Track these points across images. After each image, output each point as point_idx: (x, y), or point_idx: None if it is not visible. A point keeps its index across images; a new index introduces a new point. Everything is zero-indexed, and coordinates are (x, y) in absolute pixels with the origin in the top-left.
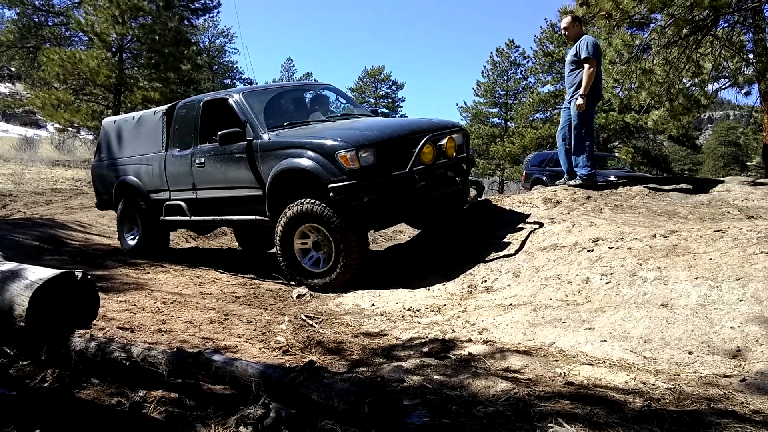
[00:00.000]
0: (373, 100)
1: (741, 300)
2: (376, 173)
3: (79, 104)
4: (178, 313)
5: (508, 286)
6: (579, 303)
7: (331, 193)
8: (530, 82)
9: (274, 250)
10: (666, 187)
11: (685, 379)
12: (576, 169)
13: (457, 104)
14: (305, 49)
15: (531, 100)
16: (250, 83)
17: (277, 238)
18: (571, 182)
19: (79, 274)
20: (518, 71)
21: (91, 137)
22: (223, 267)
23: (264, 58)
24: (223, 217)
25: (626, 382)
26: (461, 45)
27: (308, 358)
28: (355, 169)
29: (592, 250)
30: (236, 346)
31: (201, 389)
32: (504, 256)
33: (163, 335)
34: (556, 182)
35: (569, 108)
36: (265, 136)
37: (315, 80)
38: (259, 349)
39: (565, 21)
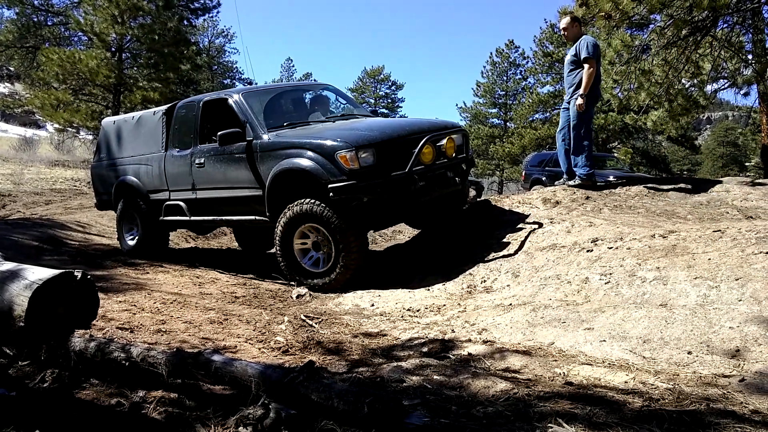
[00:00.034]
0: (372, 101)
1: (740, 300)
2: (375, 173)
3: (79, 104)
4: (177, 314)
5: (508, 286)
6: (578, 303)
7: (331, 194)
8: (530, 82)
9: (273, 250)
10: (665, 188)
11: (684, 379)
12: (575, 169)
13: (457, 105)
14: (305, 49)
15: (530, 101)
16: (250, 83)
17: (277, 238)
18: (571, 182)
19: (78, 274)
20: (518, 72)
21: (90, 137)
22: (223, 267)
23: (263, 59)
24: (223, 218)
25: (625, 382)
26: (461, 45)
27: (308, 359)
28: (355, 170)
29: (592, 251)
30: (236, 347)
31: (201, 389)
32: (503, 257)
33: (162, 335)
34: (556, 183)
35: (569, 108)
36: (265, 137)
37: (315, 80)
38: (259, 349)
39: (564, 21)
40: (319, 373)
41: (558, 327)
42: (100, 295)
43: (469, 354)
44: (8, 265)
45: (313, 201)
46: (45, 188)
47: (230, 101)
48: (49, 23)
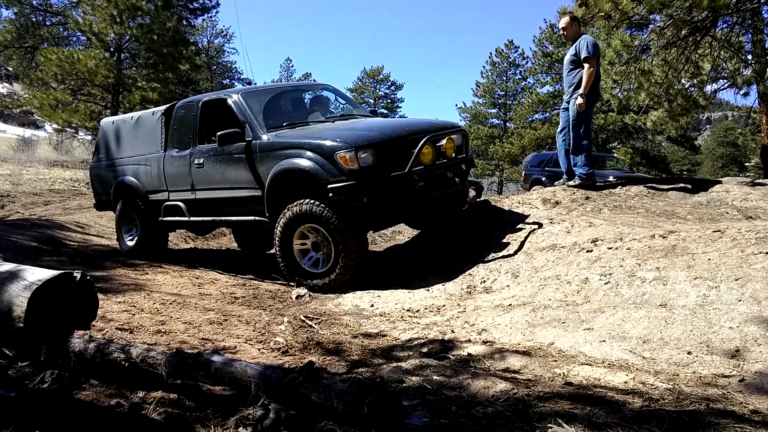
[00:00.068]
0: (372, 101)
1: (740, 300)
2: (375, 174)
3: (77, 104)
4: (177, 314)
5: (508, 286)
6: (578, 303)
7: (331, 194)
8: (529, 82)
9: (273, 251)
10: (665, 188)
11: (684, 379)
12: (574, 169)
13: (456, 105)
14: (304, 49)
15: (530, 101)
16: (249, 83)
17: (276, 238)
18: (570, 182)
19: (77, 275)
20: (517, 72)
21: (89, 137)
22: (222, 268)
23: (263, 59)
24: (222, 218)
25: (625, 383)
26: (460, 45)
27: (307, 359)
28: (354, 170)
29: (591, 251)
30: (235, 347)
31: (200, 390)
32: (503, 257)
33: (162, 336)
34: (555, 183)
35: (568, 108)
36: (264, 137)
37: (314, 80)
38: (259, 349)
39: (564, 21)
40: (319, 374)
41: (558, 327)
42: (100, 295)
43: (469, 354)
44: (7, 266)
45: (312, 201)
46: (44, 189)
47: (229, 101)
48: (47, 23)
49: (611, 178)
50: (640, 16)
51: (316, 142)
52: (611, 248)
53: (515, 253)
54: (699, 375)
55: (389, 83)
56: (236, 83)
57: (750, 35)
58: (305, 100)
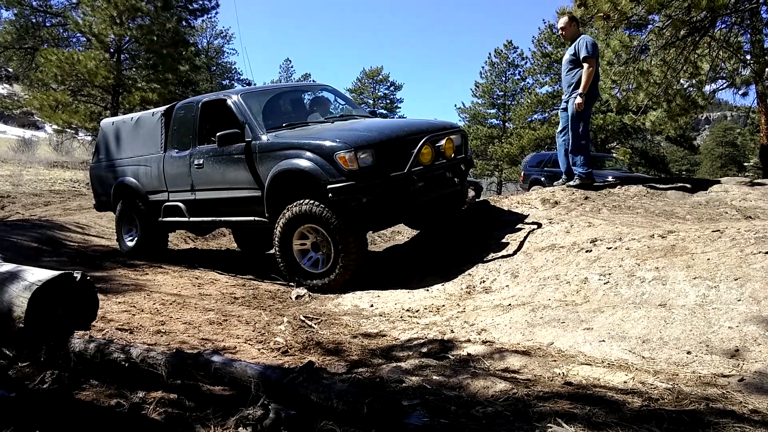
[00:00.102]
0: (371, 101)
1: (739, 300)
2: (374, 174)
3: (77, 105)
4: (177, 314)
5: (507, 286)
6: (577, 303)
7: (330, 194)
8: (528, 83)
9: (272, 251)
10: (664, 188)
11: (683, 378)
12: (574, 168)
13: (456, 105)
14: (304, 50)
15: (529, 101)
16: (249, 84)
17: (276, 239)
18: (570, 183)
19: (77, 275)
20: (516, 72)
21: (89, 138)
22: (222, 268)
23: (262, 59)
24: (222, 218)
25: (625, 382)
26: (459, 46)
27: (307, 359)
28: (354, 170)
29: (591, 251)
30: (235, 347)
31: (200, 390)
32: (502, 257)
33: (162, 336)
34: (554, 183)
35: (567, 108)
36: (264, 137)
37: (313, 81)
38: (258, 350)
39: (562, 21)
40: (319, 374)
41: (557, 327)
42: (100, 296)
43: (469, 354)
44: (7, 267)
45: (312, 202)
46: (44, 189)
47: (229, 102)
48: (47, 24)
49: (610, 178)
50: (638, 16)
51: (316, 143)
52: (610, 248)
53: (514, 253)
54: (698, 375)
55: (388, 84)
56: (236, 84)
57: (749, 35)
58: (305, 101)
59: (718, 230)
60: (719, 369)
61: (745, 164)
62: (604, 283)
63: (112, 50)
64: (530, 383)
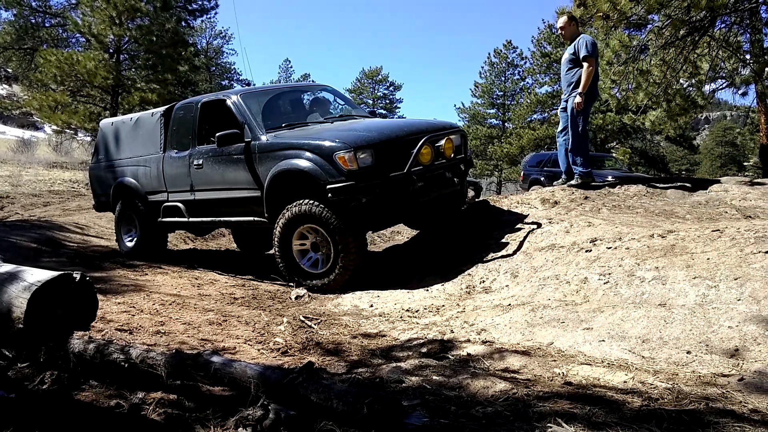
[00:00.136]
0: (370, 101)
1: (739, 299)
2: (374, 174)
3: (77, 106)
4: (176, 315)
5: (507, 286)
6: (577, 303)
7: (330, 194)
8: (528, 83)
9: (272, 252)
10: (663, 187)
11: (683, 378)
12: (573, 167)
13: (455, 105)
14: (303, 50)
15: (528, 101)
16: (248, 84)
17: (276, 239)
18: (569, 182)
19: (77, 275)
20: (516, 72)
21: (88, 139)
22: (222, 268)
23: (262, 60)
24: (221, 219)
25: (625, 382)
26: (459, 46)
27: (307, 359)
28: (354, 170)
29: (590, 251)
30: (235, 348)
31: (200, 391)
32: (502, 257)
33: (161, 337)
34: (554, 183)
35: (566, 107)
36: (263, 138)
37: (313, 81)
38: (258, 350)
39: (562, 20)
40: (319, 374)
41: (557, 327)
42: (99, 296)
43: (468, 354)
44: (7, 267)
45: (311, 202)
46: (43, 190)
47: (228, 102)
48: (46, 25)
49: (610, 178)
50: (638, 16)
51: (315, 143)
52: (610, 248)
53: (514, 253)
54: (698, 374)
55: (388, 84)
56: (235, 84)
57: (748, 35)
58: (304, 101)
59: (718, 230)
60: (719, 368)
61: (745, 164)
62: (604, 283)
63: (111, 51)
64: (530, 383)
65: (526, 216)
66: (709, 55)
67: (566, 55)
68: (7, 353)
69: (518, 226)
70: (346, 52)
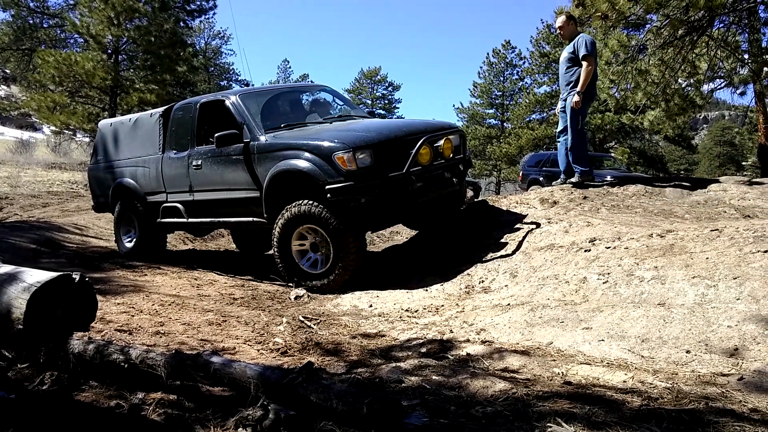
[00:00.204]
0: (369, 102)
1: (738, 299)
2: (373, 174)
3: (75, 106)
4: (176, 315)
5: (506, 286)
6: (576, 303)
7: (329, 195)
8: (526, 83)
9: (271, 252)
10: (662, 187)
11: (683, 377)
12: (574, 166)
13: (454, 105)
14: (302, 50)
15: (527, 101)
16: (247, 85)
17: (275, 239)
18: (569, 182)
19: (76, 276)
20: (514, 72)
21: (87, 140)
22: (221, 269)
23: (260, 60)
24: (220, 219)
25: (624, 382)
26: (458, 46)
27: (306, 360)
28: (353, 171)
29: (589, 250)
30: (234, 348)
31: (200, 391)
32: (501, 257)
33: (161, 337)
34: (553, 182)
35: (565, 107)
36: (262, 138)
37: (311, 82)
38: (258, 350)
39: (560, 20)
40: (318, 374)
41: (556, 327)
42: (99, 297)
43: (468, 354)
44: (6, 268)
45: (310, 202)
46: (42, 191)
47: (227, 103)
48: (45, 25)
49: (609, 178)
50: (636, 15)
51: (314, 143)
52: (609, 248)
53: (513, 252)
54: (698, 374)
55: (386, 84)
56: (234, 85)
57: (746, 34)
58: (303, 102)
59: (717, 229)
60: (718, 368)
61: (744, 163)
62: (603, 283)
63: (109, 51)
64: (529, 383)
65: (525, 216)
66: (708, 55)
67: (565, 54)
68: (6, 354)
69: (517, 226)
70: (345, 52)
